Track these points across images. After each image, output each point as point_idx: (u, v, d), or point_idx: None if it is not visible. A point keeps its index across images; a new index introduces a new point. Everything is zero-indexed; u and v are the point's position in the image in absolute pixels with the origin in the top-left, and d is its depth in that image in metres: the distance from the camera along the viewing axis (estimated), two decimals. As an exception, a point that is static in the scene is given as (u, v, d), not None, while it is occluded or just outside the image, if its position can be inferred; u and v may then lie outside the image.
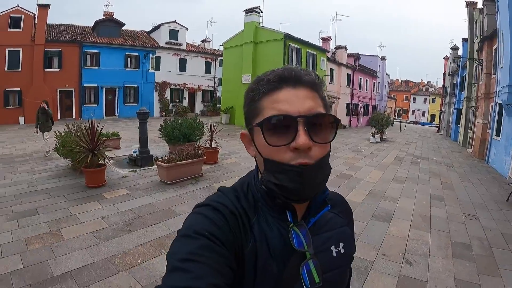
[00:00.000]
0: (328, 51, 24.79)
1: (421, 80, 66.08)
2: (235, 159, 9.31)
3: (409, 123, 45.44)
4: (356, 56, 29.60)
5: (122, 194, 5.79)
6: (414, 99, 61.58)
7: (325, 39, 26.53)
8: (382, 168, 9.22)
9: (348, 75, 27.72)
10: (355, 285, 3.21)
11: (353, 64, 28.55)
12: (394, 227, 4.92)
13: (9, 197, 5.47)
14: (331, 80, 24.87)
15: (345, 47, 27.43)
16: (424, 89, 63.20)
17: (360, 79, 30.25)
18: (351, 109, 28.43)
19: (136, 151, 8.21)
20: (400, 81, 67.66)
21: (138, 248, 3.78)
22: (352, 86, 28.32)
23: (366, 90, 31.76)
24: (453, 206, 6.20)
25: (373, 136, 16.24)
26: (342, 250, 0.74)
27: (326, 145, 0.64)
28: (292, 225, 0.67)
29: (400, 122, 33.06)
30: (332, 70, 25.04)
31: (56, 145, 7.33)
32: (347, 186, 7.15)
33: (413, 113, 58.63)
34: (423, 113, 58.66)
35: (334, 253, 0.72)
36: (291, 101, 0.62)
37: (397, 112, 53.58)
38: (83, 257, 3.48)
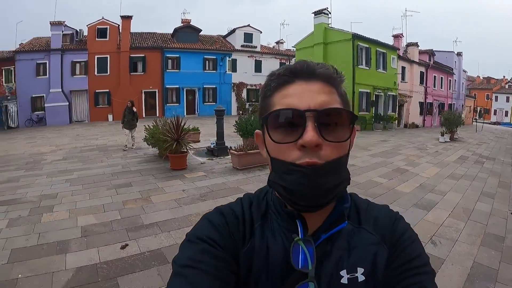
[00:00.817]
0: (399, 49, 24.16)
1: (503, 76, 59.60)
2: None
3: (488, 123, 41.53)
4: (430, 53, 28.29)
5: (199, 175, 7.04)
6: (496, 97, 55.89)
7: (397, 36, 25.88)
8: (441, 166, 9.06)
9: (421, 73, 26.67)
10: None
11: (426, 61, 27.33)
12: (431, 215, 5.03)
13: (107, 175, 7.15)
14: (402, 78, 24.24)
15: (416, 44, 26.49)
16: (506, 86, 56.98)
17: (435, 76, 28.81)
18: (425, 108, 27.28)
19: (213, 143, 9.51)
20: (481, 78, 61.84)
21: (209, 210, 4.82)
22: (426, 84, 27.15)
23: (441, 88, 30.10)
24: (501, 203, 6.00)
25: (442, 135, 15.67)
26: (361, 278, 0.59)
27: (341, 145, 0.57)
28: (298, 239, 0.60)
29: (477, 122, 30.55)
30: (403, 68, 24.39)
31: (145, 136, 8.97)
32: (399, 178, 7.33)
33: (495, 113, 53.38)
34: (506, 113, 53.01)
35: (344, 280, 0.59)
36: (302, 95, 0.57)
37: (478, 111, 49.03)
38: (167, 215, 4.67)
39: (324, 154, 0.55)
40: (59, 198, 5.55)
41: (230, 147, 8.59)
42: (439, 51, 30.70)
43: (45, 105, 22.17)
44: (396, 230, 0.63)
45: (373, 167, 8.34)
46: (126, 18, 23.52)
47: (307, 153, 0.55)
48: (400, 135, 17.23)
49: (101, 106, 22.95)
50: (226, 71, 25.91)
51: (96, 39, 22.78)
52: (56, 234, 4.00)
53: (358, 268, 0.60)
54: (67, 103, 22.39)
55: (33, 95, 22.25)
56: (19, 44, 24.99)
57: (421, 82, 26.73)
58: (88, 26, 22.93)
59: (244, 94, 26.84)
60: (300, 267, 0.58)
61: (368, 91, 20.17)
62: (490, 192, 6.78)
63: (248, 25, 27.25)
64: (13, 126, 22.27)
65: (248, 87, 27.00)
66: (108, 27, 23.10)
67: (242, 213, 0.68)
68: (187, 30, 25.50)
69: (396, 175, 7.63)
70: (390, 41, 24.89)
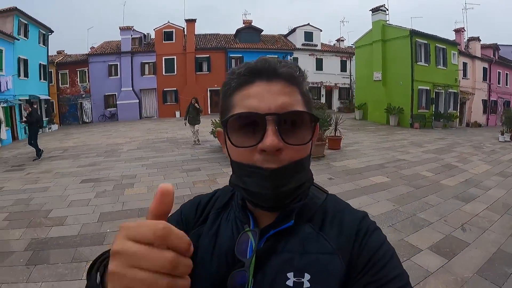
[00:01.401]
0: (459, 44, 23.48)
1: None
2: (357, 147, 10.75)
3: None
4: (494, 47, 27.00)
5: None
6: None
7: (458, 31, 25.07)
8: (494, 164, 8.96)
9: (484, 69, 25.60)
10: (406, 232, 4.07)
11: (490, 56, 26.17)
12: (469, 206, 5.15)
13: (178, 162, 8.50)
14: (464, 75, 23.52)
15: (478, 38, 25.45)
16: None
17: (499, 72, 27.40)
18: (489, 106, 26.15)
19: None
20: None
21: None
22: (489, 81, 26.00)
23: (506, 85, 28.52)
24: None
25: (502, 134, 15.04)
26: (306, 284, 0.56)
27: (302, 148, 0.57)
28: (247, 230, 0.62)
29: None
30: (465, 64, 23.64)
31: (212, 129, 10.10)
32: (446, 174, 7.42)
33: None
34: None
35: (289, 282, 0.56)
36: (262, 96, 0.57)
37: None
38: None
39: (285, 157, 0.55)
40: (137, 178, 6.91)
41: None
42: (504, 45, 29.09)
43: (117, 102, 24.69)
44: (366, 244, 0.58)
45: (423, 162, 8.61)
46: (190, 21, 25.38)
47: (267, 157, 0.55)
48: (459, 134, 16.99)
49: (169, 103, 25.04)
50: (287, 70, 26.89)
51: (163, 41, 24.86)
52: (137, 203, 5.20)
53: (306, 274, 0.57)
54: (137, 101, 24.74)
55: (106, 93, 24.88)
56: (90, 48, 28.00)
57: (484, 79, 25.66)
58: (155, 30, 25.06)
59: (305, 92, 27.64)
60: (247, 257, 0.58)
61: (428, 88, 19.96)
62: (539, 192, 6.65)
63: (308, 24, 27.89)
64: (87, 121, 25.06)
65: (310, 85, 26.89)
66: (173, 30, 25.07)
67: (207, 201, 0.74)
68: (249, 31, 26.83)
69: (444, 170, 7.79)
70: (451, 36, 24.28)
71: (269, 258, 0.59)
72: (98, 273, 0.48)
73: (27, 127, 10.52)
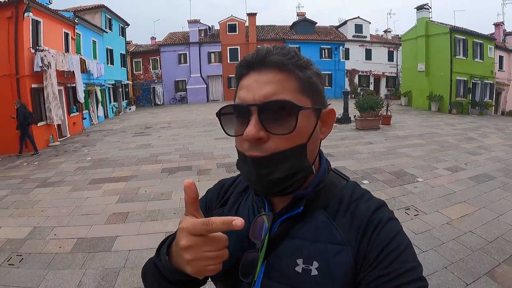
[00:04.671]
0: (495, 39, 26.56)
1: None
2: (403, 124, 14.72)
3: None
4: (535, 40, 29.62)
5: (335, 130, 11.92)
6: None
7: (497, 25, 28.06)
8: (507, 139, 11.35)
9: (521, 62, 28.53)
10: (431, 162, 8.01)
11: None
12: (474, 157, 8.23)
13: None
14: (500, 67, 26.55)
15: (514, 33, 28.36)
16: None
17: (537, 65, 30.09)
18: (525, 97, 29.10)
19: (341, 114, 14.54)
20: None
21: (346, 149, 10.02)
22: (526, 73, 28.88)
23: (544, 76, 31.17)
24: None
25: None
26: (314, 272, 0.61)
27: (289, 137, 0.60)
28: (263, 214, 0.67)
29: None
30: (501, 57, 26.72)
31: None
32: (466, 142, 10.39)
33: None
34: None
35: (298, 268, 0.62)
36: (251, 87, 0.61)
37: None
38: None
39: (270, 146, 0.59)
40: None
41: (355, 115, 13.70)
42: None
43: (187, 87, 29.69)
44: (378, 236, 0.60)
45: (451, 134, 12.01)
46: (252, 15, 29.78)
47: (251, 146, 0.60)
48: (491, 120, 19.33)
49: (233, 88, 29.44)
50: (340, 59, 30.74)
51: (227, 33, 29.48)
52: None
53: (314, 262, 0.61)
54: (205, 86, 29.69)
55: (176, 79, 29.82)
56: (150, 39, 33.12)
57: (521, 71, 28.62)
58: (220, 22, 29.67)
59: (356, 80, 31.32)
60: (261, 239, 0.65)
61: (465, 79, 23.44)
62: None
63: (358, 17, 31.47)
64: (159, 103, 30.15)
65: (360, 73, 31.37)
66: (236, 23, 29.62)
67: (230, 184, 0.84)
68: (304, 23, 31.04)
69: (465, 140, 10.75)
70: (492, 28, 27.26)
71: (281, 242, 0.65)
72: (166, 250, 0.62)
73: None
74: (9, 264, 3.69)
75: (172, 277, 0.60)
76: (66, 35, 15.13)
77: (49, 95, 12.05)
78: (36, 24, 12.16)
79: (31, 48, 11.61)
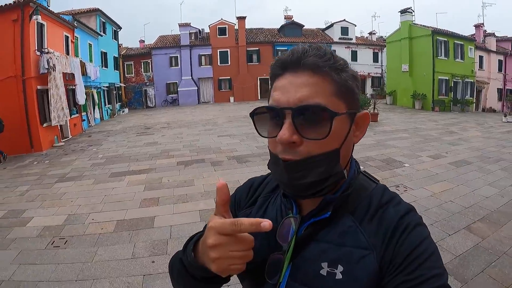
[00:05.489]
0: (475, 40, 28.14)
1: None
2: (389, 121, 15.79)
3: None
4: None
5: None
6: None
7: (478, 26, 29.67)
8: (485, 133, 12.66)
9: (500, 61, 30.03)
10: (416, 151, 9.28)
11: (509, 49, 30.61)
12: (454, 147, 9.78)
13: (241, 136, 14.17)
14: (480, 66, 28.03)
15: (493, 34, 29.96)
16: None
17: (515, 64, 31.74)
18: (504, 94, 30.73)
19: None
20: None
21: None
22: (505, 72, 30.50)
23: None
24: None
25: (505, 116, 18.83)
26: (339, 276, 0.62)
27: (322, 142, 0.60)
28: (291, 216, 0.68)
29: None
30: (481, 57, 28.23)
31: None
32: (447, 135, 11.57)
33: None
34: None
35: (323, 272, 0.63)
36: (285, 89, 0.62)
37: None
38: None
39: (303, 150, 0.60)
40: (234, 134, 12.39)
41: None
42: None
43: (178, 89, 30.30)
44: (404, 241, 0.60)
45: (434, 129, 13.15)
46: (241, 19, 30.66)
47: (285, 149, 0.61)
48: (472, 116, 20.62)
49: (223, 90, 30.64)
50: (328, 61, 32.06)
51: (217, 36, 30.28)
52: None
53: (339, 265, 0.62)
54: (196, 88, 30.37)
55: (168, 82, 30.40)
56: (139, 42, 33.66)
57: (500, 70, 30.02)
58: (210, 26, 30.43)
59: (343, 81, 32.77)
60: (287, 241, 0.66)
61: (447, 78, 24.79)
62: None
63: (344, 20, 32.66)
64: (151, 106, 30.64)
65: None
66: (226, 26, 30.44)
67: (259, 183, 0.85)
68: (291, 26, 32.09)
69: (446, 133, 11.98)
70: (472, 30, 28.79)
71: (307, 245, 0.66)
72: (192, 247, 0.64)
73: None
74: (54, 247, 4.03)
75: (196, 273, 0.63)
76: (67, 38, 15.66)
77: (53, 96, 12.52)
78: (40, 27, 12.67)
79: (37, 51, 12.11)
